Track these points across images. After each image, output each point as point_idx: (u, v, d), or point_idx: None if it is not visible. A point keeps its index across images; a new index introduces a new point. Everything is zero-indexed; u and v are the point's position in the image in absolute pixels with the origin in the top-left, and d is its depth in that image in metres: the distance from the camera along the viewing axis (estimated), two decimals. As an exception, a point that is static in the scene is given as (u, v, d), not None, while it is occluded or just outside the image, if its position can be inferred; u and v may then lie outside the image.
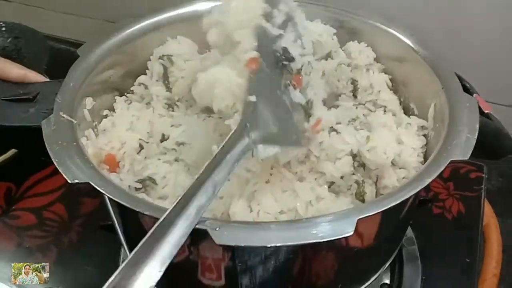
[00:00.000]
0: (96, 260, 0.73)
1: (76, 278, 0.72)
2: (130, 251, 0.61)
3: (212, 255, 0.45)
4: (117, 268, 0.38)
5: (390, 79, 0.70)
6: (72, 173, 0.45)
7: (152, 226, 0.40)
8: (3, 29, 1.06)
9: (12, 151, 0.84)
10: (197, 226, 0.39)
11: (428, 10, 0.95)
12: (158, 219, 0.40)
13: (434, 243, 0.76)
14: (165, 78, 0.67)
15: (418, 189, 0.45)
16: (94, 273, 0.71)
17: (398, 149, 0.56)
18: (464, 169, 0.87)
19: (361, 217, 0.41)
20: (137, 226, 0.49)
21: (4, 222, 0.79)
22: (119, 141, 0.59)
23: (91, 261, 0.73)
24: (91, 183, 0.44)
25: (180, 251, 0.39)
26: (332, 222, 0.41)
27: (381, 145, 0.55)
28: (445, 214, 0.82)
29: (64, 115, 0.53)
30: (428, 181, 0.45)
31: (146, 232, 0.39)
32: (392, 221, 0.55)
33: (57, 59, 1.07)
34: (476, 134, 0.50)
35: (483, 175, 0.86)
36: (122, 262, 0.73)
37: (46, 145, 0.48)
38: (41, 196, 0.84)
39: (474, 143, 0.49)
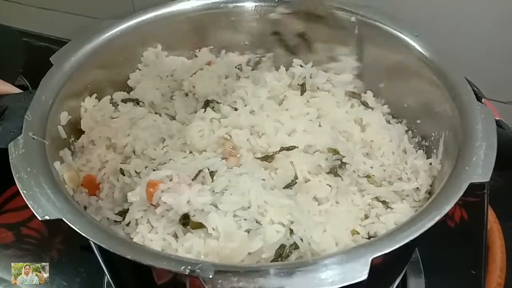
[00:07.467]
0: (79, 282, 0.68)
1: (58, 302, 0.66)
2: (111, 277, 0.57)
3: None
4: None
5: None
6: (42, 207, 0.40)
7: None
8: (-24, 28, 0.98)
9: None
10: (187, 273, 0.34)
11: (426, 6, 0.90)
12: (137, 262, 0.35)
13: (437, 254, 0.71)
14: None
15: (436, 219, 0.40)
16: (78, 296, 0.66)
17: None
18: (465, 172, 0.83)
19: (375, 256, 0.36)
20: (116, 260, 0.44)
21: (-20, 241, 0.74)
22: (99, 161, 0.54)
23: (73, 282, 0.68)
24: (64, 219, 0.39)
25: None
26: (343, 263, 0.36)
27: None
28: (447, 222, 0.77)
29: (35, 136, 0.47)
30: (447, 208, 0.40)
31: (126, 263, 0.34)
32: (405, 249, 0.50)
33: (37, 57, 1.01)
34: (495, 151, 0.45)
35: (486, 179, 0.82)
36: (107, 285, 0.70)
37: (13, 173, 0.43)
38: (19, 211, 0.77)
39: (494, 161, 0.45)
